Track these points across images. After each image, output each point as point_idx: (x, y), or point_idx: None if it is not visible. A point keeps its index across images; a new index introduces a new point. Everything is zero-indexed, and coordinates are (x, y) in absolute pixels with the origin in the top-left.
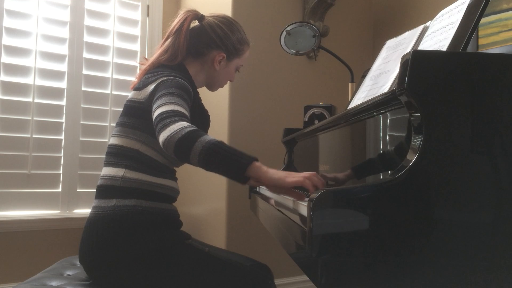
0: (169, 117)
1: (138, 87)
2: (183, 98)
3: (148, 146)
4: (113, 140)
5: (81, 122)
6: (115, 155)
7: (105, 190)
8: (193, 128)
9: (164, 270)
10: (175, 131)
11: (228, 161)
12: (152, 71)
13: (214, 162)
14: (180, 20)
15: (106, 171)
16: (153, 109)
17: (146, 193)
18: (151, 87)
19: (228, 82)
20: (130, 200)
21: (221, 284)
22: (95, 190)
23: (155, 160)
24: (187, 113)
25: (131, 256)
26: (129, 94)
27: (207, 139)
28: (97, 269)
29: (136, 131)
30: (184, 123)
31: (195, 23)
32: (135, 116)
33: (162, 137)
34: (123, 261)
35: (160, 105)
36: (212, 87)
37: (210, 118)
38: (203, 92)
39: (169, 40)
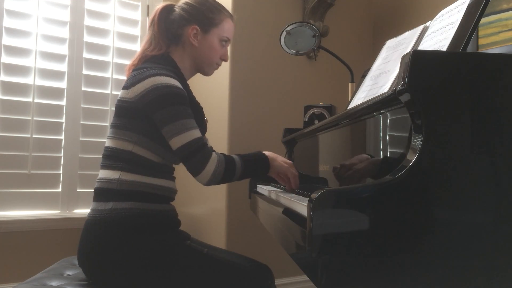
0: (196, 152)
1: (126, 86)
2: (188, 113)
3: (141, 147)
4: (107, 142)
5: (81, 122)
6: (110, 158)
7: (102, 193)
8: (222, 160)
9: (163, 272)
10: (213, 172)
11: (258, 168)
12: (139, 67)
13: (250, 174)
14: (153, 13)
15: (103, 174)
16: (165, 132)
17: (142, 195)
18: (139, 86)
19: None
20: (127, 202)
21: (221, 285)
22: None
23: (149, 160)
24: (200, 131)
25: (129, 259)
26: (119, 93)
27: (239, 164)
28: (96, 271)
29: (127, 132)
30: (213, 158)
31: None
32: (126, 116)
33: (203, 179)
34: (121, 263)
35: (176, 134)
36: (203, 69)
37: (212, 117)
38: (202, 93)
39: (148, 33)
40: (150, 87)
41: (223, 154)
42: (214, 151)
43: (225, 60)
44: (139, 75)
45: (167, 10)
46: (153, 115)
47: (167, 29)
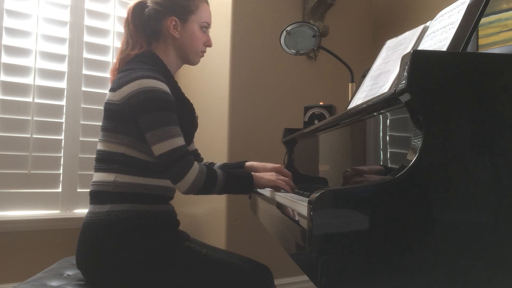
0: (177, 161)
1: (113, 88)
2: (172, 120)
3: (133, 148)
4: (99, 146)
5: (81, 122)
6: (104, 161)
7: (98, 196)
8: (204, 171)
9: (161, 273)
10: (193, 181)
11: (240, 186)
12: (124, 69)
13: (231, 190)
14: (126, 12)
15: (98, 176)
16: (148, 138)
17: (139, 196)
18: (126, 88)
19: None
20: (124, 205)
21: (220, 286)
22: None
23: (143, 160)
24: (182, 138)
25: (127, 261)
26: (106, 96)
27: (221, 179)
28: (94, 273)
29: (118, 134)
30: (195, 167)
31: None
32: (114, 119)
33: (182, 188)
34: (119, 266)
35: (158, 141)
36: (189, 59)
37: (212, 117)
38: (202, 93)
39: (124, 34)
40: (136, 90)
41: (206, 166)
42: (204, 162)
43: (209, 46)
44: (126, 77)
45: (140, 7)
46: (138, 119)
47: (144, 26)
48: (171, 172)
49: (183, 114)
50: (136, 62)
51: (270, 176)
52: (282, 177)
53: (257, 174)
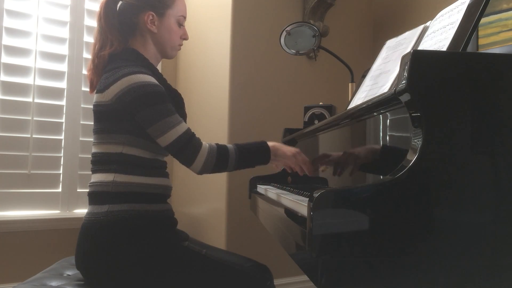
0: (184, 147)
1: (100, 89)
2: (168, 110)
3: (131, 146)
4: (94, 149)
5: (81, 122)
6: (101, 162)
7: (97, 197)
8: (214, 149)
9: (161, 274)
10: (204, 161)
11: (256, 156)
12: (108, 69)
13: (247, 163)
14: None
15: (96, 177)
16: (151, 133)
17: (138, 196)
18: (114, 87)
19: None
20: (122, 205)
21: (220, 287)
22: None
23: (141, 157)
24: (184, 123)
25: (126, 261)
26: (93, 98)
27: (233, 154)
28: (93, 274)
29: (113, 134)
30: (204, 148)
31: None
32: (107, 120)
33: (196, 169)
34: (119, 266)
35: (161, 134)
36: (166, 53)
37: (212, 117)
38: (202, 93)
39: (95, 32)
40: (125, 87)
41: (217, 144)
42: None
43: (186, 39)
44: (112, 76)
45: (113, 2)
46: (135, 116)
47: (119, 21)
48: (182, 158)
49: (173, 105)
50: (118, 60)
51: (293, 151)
52: (302, 157)
53: (276, 144)
